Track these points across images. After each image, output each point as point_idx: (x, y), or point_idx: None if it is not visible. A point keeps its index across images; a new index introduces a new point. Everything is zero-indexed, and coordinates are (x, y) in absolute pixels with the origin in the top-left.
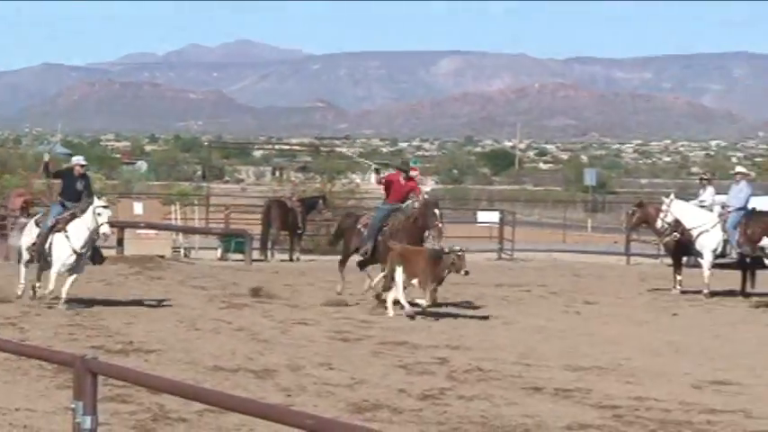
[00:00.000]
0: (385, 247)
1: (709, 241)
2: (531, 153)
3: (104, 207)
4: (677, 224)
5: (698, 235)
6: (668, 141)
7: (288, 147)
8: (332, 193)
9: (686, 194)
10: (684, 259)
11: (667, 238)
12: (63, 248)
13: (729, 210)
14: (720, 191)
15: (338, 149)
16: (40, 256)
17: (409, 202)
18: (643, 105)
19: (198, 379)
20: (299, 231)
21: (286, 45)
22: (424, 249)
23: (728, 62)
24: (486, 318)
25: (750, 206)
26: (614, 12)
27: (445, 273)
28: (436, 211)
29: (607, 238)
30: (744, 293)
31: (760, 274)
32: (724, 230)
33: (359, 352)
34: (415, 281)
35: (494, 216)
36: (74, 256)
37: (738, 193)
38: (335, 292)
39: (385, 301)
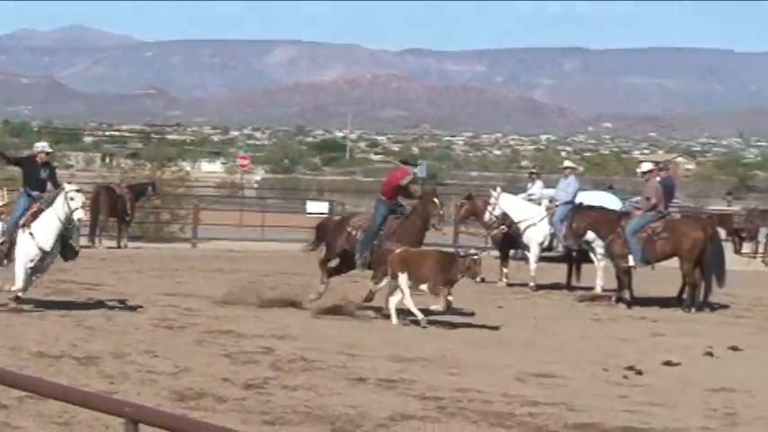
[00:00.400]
0: (383, 253)
1: (536, 234)
2: (362, 144)
3: (77, 191)
4: (505, 217)
5: (525, 228)
6: (499, 135)
7: (118, 133)
8: (162, 180)
9: (515, 188)
10: (511, 252)
11: (495, 231)
12: (29, 247)
13: (557, 204)
14: (549, 185)
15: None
16: (6, 258)
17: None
18: (475, 98)
19: (20, 365)
20: (128, 218)
21: (120, 31)
22: (433, 252)
23: (560, 57)
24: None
25: (578, 200)
26: (449, 5)
27: (459, 277)
28: (435, 200)
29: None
30: (569, 287)
31: (585, 267)
32: (551, 224)
33: (184, 340)
34: (424, 286)
35: (323, 206)
36: (39, 254)
37: (566, 188)
38: (311, 298)
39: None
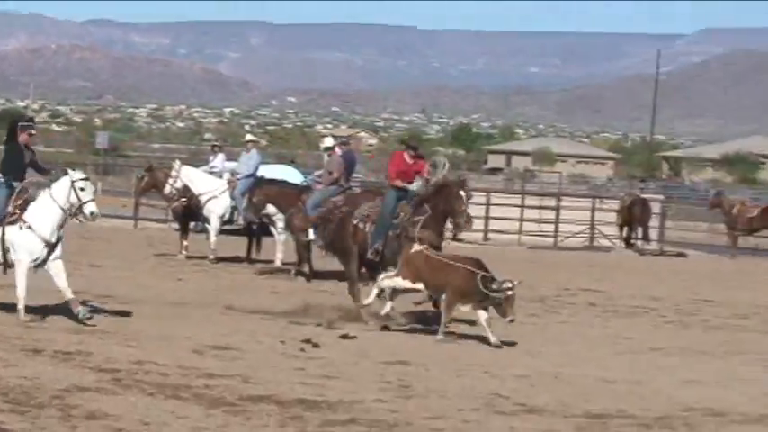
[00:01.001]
0: (397, 245)
1: (216, 207)
2: (44, 114)
3: (85, 179)
4: (186, 190)
5: (206, 201)
6: (183, 107)
7: None
8: None
9: (198, 160)
10: (192, 225)
11: (175, 204)
12: (29, 241)
13: (238, 177)
14: (231, 158)
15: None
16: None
17: (418, 183)
18: (159, 70)
19: None
20: None
21: None
22: (461, 263)
23: (246, 30)
24: None
25: (259, 174)
26: None
27: (481, 303)
28: (462, 193)
29: (117, 201)
30: (249, 260)
31: (266, 241)
32: (232, 197)
33: None
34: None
35: None
36: (45, 248)
37: (248, 161)
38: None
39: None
